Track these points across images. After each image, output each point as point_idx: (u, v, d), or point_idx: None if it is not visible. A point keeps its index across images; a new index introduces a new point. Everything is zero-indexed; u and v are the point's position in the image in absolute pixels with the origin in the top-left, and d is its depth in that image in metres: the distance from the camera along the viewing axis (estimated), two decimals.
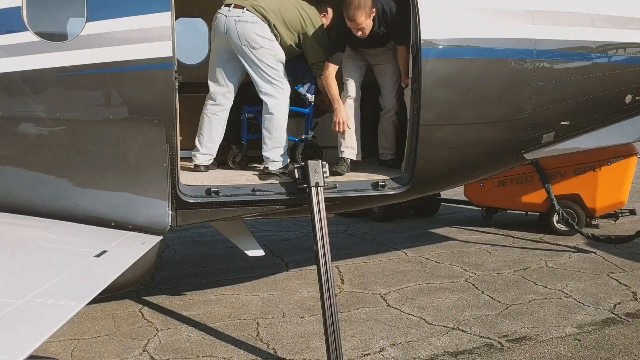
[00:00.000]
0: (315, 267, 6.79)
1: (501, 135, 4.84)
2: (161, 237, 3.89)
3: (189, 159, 5.11)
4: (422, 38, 4.50)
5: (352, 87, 5.17)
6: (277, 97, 4.82)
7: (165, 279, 6.63)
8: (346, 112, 4.94)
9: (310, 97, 5.33)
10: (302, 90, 5.27)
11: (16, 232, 3.30)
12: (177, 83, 4.12)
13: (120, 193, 3.99)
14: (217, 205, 4.43)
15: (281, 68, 4.88)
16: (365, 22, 4.72)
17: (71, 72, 3.87)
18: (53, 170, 3.89)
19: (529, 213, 8.88)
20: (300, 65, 5.24)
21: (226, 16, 4.76)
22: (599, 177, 7.92)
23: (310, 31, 5.02)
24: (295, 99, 5.24)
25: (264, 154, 4.89)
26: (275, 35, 4.88)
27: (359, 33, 4.81)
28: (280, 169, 4.87)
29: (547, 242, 7.87)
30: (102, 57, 3.92)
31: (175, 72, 4.12)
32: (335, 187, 4.63)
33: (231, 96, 5.03)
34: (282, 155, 4.90)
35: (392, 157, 5.52)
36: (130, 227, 3.92)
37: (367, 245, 8.04)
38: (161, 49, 4.02)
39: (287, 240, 8.53)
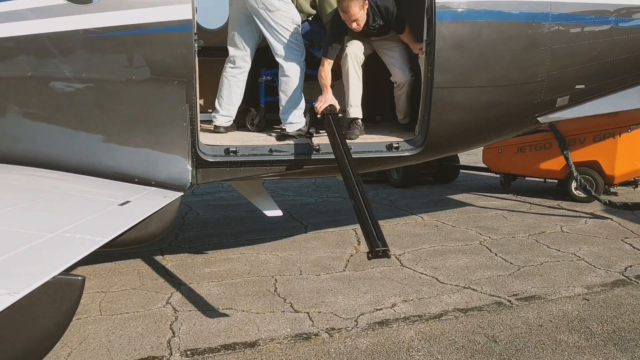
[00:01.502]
0: (332, 229, 7.03)
1: (514, 99, 4.89)
2: (182, 193, 4.08)
3: (210, 122, 5.29)
4: (436, 0, 4.54)
5: (355, 45, 5.19)
6: (292, 59, 4.94)
7: (188, 238, 6.88)
8: (332, 100, 4.93)
9: None
10: (319, 53, 5.37)
11: (47, 183, 3.51)
12: (196, 45, 4.26)
13: (143, 150, 4.18)
14: (236, 165, 4.60)
15: (297, 31, 4.98)
16: (359, 13, 4.77)
17: (95, 34, 4.04)
18: (80, 128, 4.09)
19: (547, 180, 8.90)
20: (317, 28, 5.33)
21: None
22: (618, 144, 7.90)
23: None
24: (312, 62, 5.34)
25: (281, 115, 5.03)
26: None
27: (354, 25, 4.84)
28: (297, 130, 5.00)
29: (564, 209, 7.92)
30: (124, 19, 4.07)
31: (195, 34, 4.25)
32: (350, 149, 4.75)
33: (249, 59, 5.17)
34: (299, 117, 5.03)
35: (407, 121, 5.62)
36: (152, 183, 4.11)
37: (385, 210, 8.18)
38: (181, 12, 4.15)
39: (306, 204, 8.72)
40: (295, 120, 5.01)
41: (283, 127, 5.01)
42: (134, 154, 4.14)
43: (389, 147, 4.86)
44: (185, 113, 4.23)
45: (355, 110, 5.14)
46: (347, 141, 4.76)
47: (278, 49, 4.93)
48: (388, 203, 8.67)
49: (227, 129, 5.21)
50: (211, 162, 4.50)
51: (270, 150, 4.67)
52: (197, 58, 4.30)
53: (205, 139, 4.65)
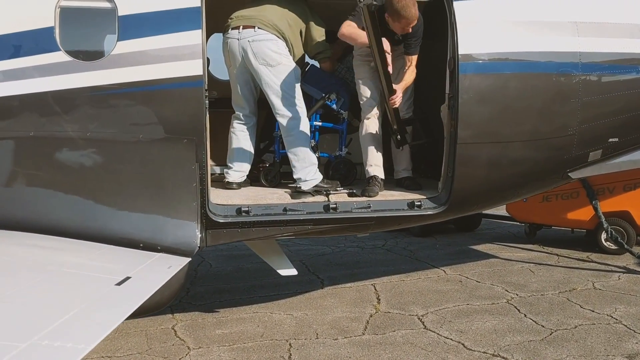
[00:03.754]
0: (350, 285, 6.71)
1: (544, 154, 4.62)
2: (189, 259, 3.82)
3: (222, 175, 5.07)
4: (459, 52, 4.33)
5: (371, 102, 5.01)
6: (294, 116, 4.75)
7: (199, 294, 6.59)
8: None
9: (344, 113, 5.21)
10: (336, 106, 5.16)
11: (40, 256, 3.28)
12: (207, 102, 4.07)
13: (149, 213, 3.96)
14: (248, 225, 4.35)
15: (298, 85, 4.82)
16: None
17: (102, 92, 3.87)
18: (83, 190, 3.89)
19: (574, 230, 8.51)
20: (333, 80, 5.15)
21: (238, 39, 4.72)
22: None
23: (311, 24, 4.97)
24: (329, 115, 5.14)
25: (295, 176, 4.81)
26: (289, 49, 4.83)
27: (406, 29, 4.62)
28: (313, 187, 4.76)
29: (595, 262, 7.50)
30: (133, 75, 3.91)
31: (206, 90, 4.07)
32: (369, 207, 4.50)
33: (254, 115, 5.07)
34: (313, 174, 4.79)
35: (408, 175, 5.36)
36: (158, 248, 3.87)
37: (405, 262, 7.84)
38: (192, 67, 3.98)
39: (323, 255, 8.41)
40: (310, 177, 4.77)
41: (298, 185, 4.76)
42: (139, 218, 3.91)
43: (411, 205, 4.59)
44: (195, 173, 4.01)
45: (377, 169, 4.91)
46: (366, 199, 4.51)
47: (278, 107, 4.74)
48: (408, 254, 8.33)
49: (240, 185, 4.99)
50: (222, 222, 4.26)
51: (285, 210, 4.41)
52: (207, 115, 4.10)
53: (216, 197, 4.42)
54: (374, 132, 4.95)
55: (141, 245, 3.86)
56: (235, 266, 7.88)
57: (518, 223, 9.11)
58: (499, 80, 4.39)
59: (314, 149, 5.10)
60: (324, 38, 5.00)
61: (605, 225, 7.46)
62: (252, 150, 5.02)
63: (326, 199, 4.56)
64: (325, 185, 4.80)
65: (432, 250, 8.53)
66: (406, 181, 5.26)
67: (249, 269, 7.69)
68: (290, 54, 4.85)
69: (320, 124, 5.23)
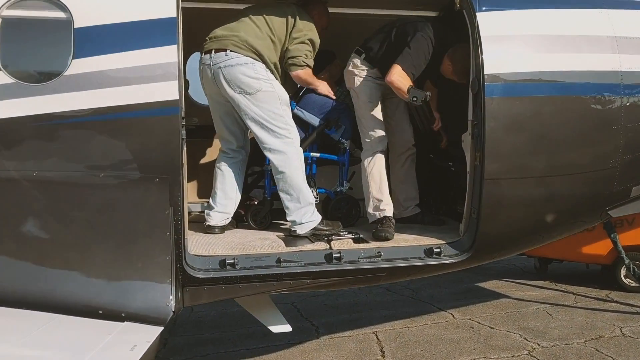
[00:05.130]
0: (349, 333, 5.94)
1: (583, 190, 3.94)
2: (161, 328, 3.05)
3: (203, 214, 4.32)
4: (485, 72, 3.65)
5: (379, 132, 4.35)
6: (284, 151, 4.01)
7: (179, 347, 5.79)
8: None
9: (346, 143, 4.51)
10: (336, 135, 4.46)
11: None
12: (184, 132, 3.34)
13: (110, 272, 3.18)
14: (234, 281, 3.59)
15: (286, 112, 4.06)
16: None
17: (52, 121, 3.13)
18: (25, 244, 3.10)
19: (589, 265, 7.85)
20: (333, 105, 4.46)
21: (210, 65, 3.99)
22: None
23: (295, 28, 4.16)
24: (328, 145, 4.44)
25: (289, 219, 4.06)
26: (271, 71, 4.07)
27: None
28: (310, 230, 4.02)
29: (616, 302, 6.83)
30: (92, 101, 3.17)
31: (183, 118, 3.34)
32: (380, 255, 3.76)
33: (243, 149, 4.33)
34: (310, 215, 4.05)
35: (415, 210, 4.69)
36: (123, 315, 3.09)
37: (408, 304, 7.09)
38: (165, 91, 3.26)
39: (316, 295, 7.61)
40: (307, 219, 4.03)
41: (293, 229, 4.02)
42: (98, 278, 3.14)
43: (429, 252, 3.87)
44: (169, 219, 3.26)
45: (387, 206, 4.20)
46: (378, 245, 3.80)
47: (266, 140, 4.00)
48: (410, 294, 7.57)
49: (224, 229, 4.22)
50: (202, 278, 3.49)
51: (279, 261, 3.66)
52: (185, 148, 3.37)
53: (195, 246, 3.66)
54: (383, 164, 4.27)
55: (100, 312, 3.07)
56: (220, 310, 7.06)
57: (526, 256, 8.42)
58: (532, 105, 3.72)
59: (311, 184, 4.38)
60: (304, 42, 4.17)
61: (626, 262, 6.82)
62: (240, 190, 4.27)
63: (327, 246, 3.82)
64: (326, 229, 4.07)
65: (436, 288, 7.79)
66: (423, 217, 4.58)
67: (234, 314, 6.87)
68: (275, 77, 4.10)
69: (318, 155, 4.51)
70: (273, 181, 4.58)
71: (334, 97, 4.51)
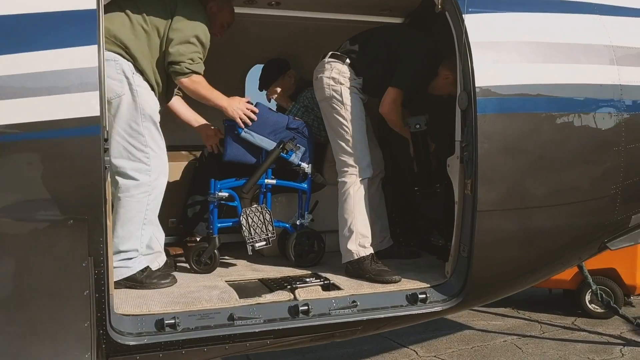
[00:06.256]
0: None
1: (584, 220, 3.42)
2: None
3: None
4: (476, 84, 3.08)
5: (368, 157, 3.72)
6: (136, 178, 3.16)
7: None
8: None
9: (307, 167, 3.82)
10: (295, 158, 3.76)
11: None
12: (108, 158, 2.56)
13: (8, 346, 2.35)
14: (175, 346, 2.81)
15: (149, 130, 3.21)
16: None
17: None
18: None
19: (552, 290, 7.48)
20: (289, 123, 3.76)
21: None
22: (639, 249, 6.60)
23: (175, 18, 3.29)
24: (285, 170, 3.75)
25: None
26: (141, 72, 3.22)
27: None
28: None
29: (584, 330, 6.46)
30: None
31: (106, 140, 2.57)
32: (356, 305, 3.09)
33: (150, 171, 3.25)
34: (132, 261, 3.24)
35: (390, 242, 4.12)
36: None
37: (366, 341, 6.41)
38: (82, 105, 2.48)
39: None
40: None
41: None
42: None
43: (412, 298, 3.22)
44: (88, 273, 2.47)
45: (369, 243, 3.56)
46: (352, 292, 3.14)
47: (119, 164, 3.11)
48: None
49: (154, 275, 3.32)
50: (133, 346, 2.70)
51: (231, 318, 2.91)
52: (109, 178, 2.59)
53: (122, 303, 2.87)
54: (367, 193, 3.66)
55: None
56: None
57: None
58: (530, 123, 3.16)
59: (266, 217, 3.67)
60: (189, 42, 3.29)
61: (593, 287, 6.47)
62: (160, 228, 3.43)
63: (291, 296, 3.10)
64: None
65: None
66: (399, 250, 3.97)
67: None
68: (147, 79, 3.26)
69: (273, 182, 3.78)
70: (220, 213, 3.83)
71: (246, 119, 3.66)
